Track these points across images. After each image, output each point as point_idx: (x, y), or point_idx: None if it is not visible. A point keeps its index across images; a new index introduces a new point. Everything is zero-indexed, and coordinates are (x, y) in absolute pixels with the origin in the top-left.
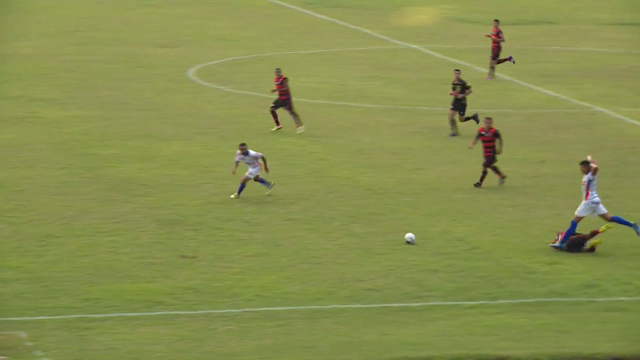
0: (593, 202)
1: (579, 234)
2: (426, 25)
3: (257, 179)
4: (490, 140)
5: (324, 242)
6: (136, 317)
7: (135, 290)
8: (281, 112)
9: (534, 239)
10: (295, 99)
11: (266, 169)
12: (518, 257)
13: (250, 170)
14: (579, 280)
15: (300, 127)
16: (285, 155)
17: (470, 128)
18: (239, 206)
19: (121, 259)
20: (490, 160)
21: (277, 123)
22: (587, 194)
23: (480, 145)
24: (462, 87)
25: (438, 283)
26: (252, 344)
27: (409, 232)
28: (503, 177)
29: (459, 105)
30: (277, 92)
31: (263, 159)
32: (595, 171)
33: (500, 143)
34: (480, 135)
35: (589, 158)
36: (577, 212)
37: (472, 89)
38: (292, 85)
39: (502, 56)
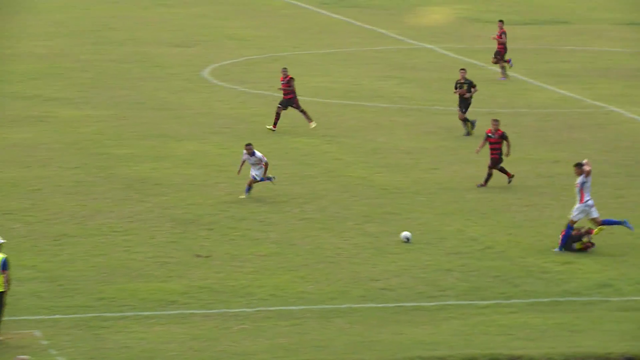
0: (587, 206)
1: (579, 230)
2: (441, 25)
3: (259, 181)
4: (497, 142)
5: (338, 242)
6: (151, 316)
7: (149, 290)
8: (289, 111)
9: (548, 238)
10: (310, 99)
11: (264, 174)
12: (532, 257)
13: (255, 172)
14: (593, 280)
15: (312, 123)
16: (300, 155)
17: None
18: (253, 206)
19: (136, 258)
20: (496, 162)
21: (275, 125)
22: (582, 197)
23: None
24: (468, 86)
25: (452, 282)
26: (265, 343)
27: (421, 231)
28: (511, 176)
29: (465, 104)
30: (282, 91)
31: (266, 164)
32: (588, 174)
33: (508, 146)
34: (487, 137)
35: (584, 161)
36: (572, 216)
37: (477, 87)
38: (307, 85)
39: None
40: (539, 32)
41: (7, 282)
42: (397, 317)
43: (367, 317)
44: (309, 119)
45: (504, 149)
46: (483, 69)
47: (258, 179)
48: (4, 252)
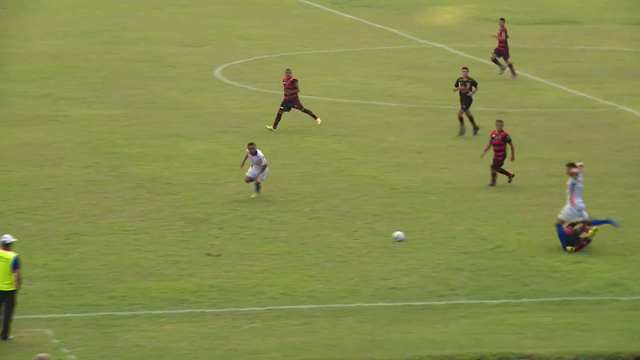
0: (577, 209)
1: (574, 230)
2: (451, 25)
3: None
4: (500, 144)
5: (348, 241)
6: (161, 315)
7: (160, 288)
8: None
9: (557, 238)
10: (321, 98)
11: (260, 174)
12: (542, 256)
13: (254, 171)
14: (603, 279)
15: (318, 119)
16: (310, 154)
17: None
18: (264, 205)
19: (146, 257)
20: (498, 163)
21: (275, 126)
22: (572, 198)
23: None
24: (471, 85)
25: (462, 282)
26: (276, 342)
27: (431, 231)
28: (511, 176)
29: (466, 102)
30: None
31: (265, 166)
32: (575, 175)
33: (512, 150)
34: (491, 139)
35: (577, 164)
36: (562, 216)
37: (479, 86)
38: (318, 85)
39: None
40: (549, 31)
41: (18, 280)
42: (407, 316)
43: (377, 316)
44: (314, 117)
45: (509, 152)
46: (493, 68)
47: (255, 177)
48: (14, 251)
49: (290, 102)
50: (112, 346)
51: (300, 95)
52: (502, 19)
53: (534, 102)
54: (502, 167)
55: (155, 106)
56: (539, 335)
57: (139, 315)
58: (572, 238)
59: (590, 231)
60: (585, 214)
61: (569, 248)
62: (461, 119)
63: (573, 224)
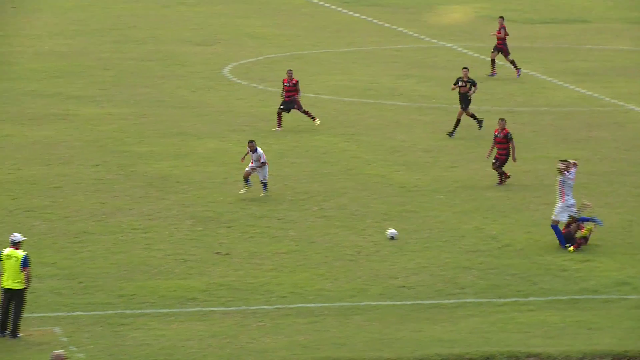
0: (567, 206)
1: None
2: (460, 24)
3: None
4: (502, 142)
5: (357, 240)
6: (170, 314)
7: (169, 287)
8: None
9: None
10: (329, 97)
11: (261, 169)
12: (550, 255)
13: (252, 166)
14: (612, 278)
15: (317, 120)
16: (319, 153)
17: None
18: (273, 203)
19: (155, 255)
20: (502, 162)
21: (279, 125)
22: (562, 195)
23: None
24: (470, 85)
25: (470, 280)
26: (284, 341)
27: (440, 229)
28: (507, 177)
29: (465, 102)
30: (285, 93)
31: (264, 163)
32: (560, 171)
33: (513, 149)
34: (495, 137)
35: (571, 161)
36: (554, 216)
37: (478, 87)
38: (327, 84)
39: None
40: (558, 31)
41: (28, 279)
42: (416, 314)
43: (386, 314)
44: (313, 118)
45: (511, 152)
46: (501, 67)
47: (252, 171)
48: (24, 249)
49: (291, 102)
50: (121, 344)
51: (309, 94)
52: (501, 17)
53: (543, 101)
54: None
55: (164, 105)
56: (547, 333)
57: (148, 313)
58: (568, 238)
59: (584, 230)
60: (574, 210)
61: (570, 248)
62: (458, 121)
63: (568, 224)
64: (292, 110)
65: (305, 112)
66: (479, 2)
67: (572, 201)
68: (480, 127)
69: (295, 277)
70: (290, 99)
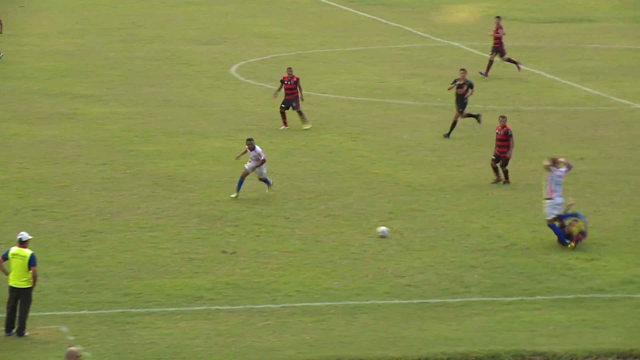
0: (556, 204)
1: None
2: (467, 23)
3: (261, 179)
4: (502, 139)
5: (363, 238)
6: (176, 312)
7: (175, 286)
8: (314, 108)
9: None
10: (336, 96)
11: (261, 169)
12: (556, 254)
13: (251, 165)
14: (617, 277)
15: (307, 124)
16: (325, 152)
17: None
18: (279, 202)
19: (162, 254)
20: (505, 161)
21: (285, 124)
22: (550, 192)
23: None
24: (468, 87)
25: (476, 279)
26: (290, 339)
27: (446, 228)
28: (498, 181)
29: (462, 104)
30: (284, 90)
31: (263, 161)
32: (546, 168)
33: (510, 146)
34: (496, 135)
35: (560, 159)
36: (547, 216)
37: (474, 89)
38: (333, 83)
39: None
40: (564, 30)
41: (34, 278)
42: (422, 313)
43: (392, 313)
44: (305, 120)
45: (509, 148)
46: (507, 66)
47: (260, 176)
48: (31, 248)
49: (291, 100)
50: (127, 343)
51: (316, 94)
52: (498, 17)
53: (549, 100)
54: (498, 167)
55: (171, 104)
56: (552, 332)
57: (154, 312)
58: (568, 236)
59: (574, 228)
60: (560, 208)
61: (570, 245)
62: (455, 123)
63: (563, 225)
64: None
65: (300, 112)
66: (485, 2)
67: (560, 200)
68: (479, 121)
69: (302, 276)
70: (291, 97)
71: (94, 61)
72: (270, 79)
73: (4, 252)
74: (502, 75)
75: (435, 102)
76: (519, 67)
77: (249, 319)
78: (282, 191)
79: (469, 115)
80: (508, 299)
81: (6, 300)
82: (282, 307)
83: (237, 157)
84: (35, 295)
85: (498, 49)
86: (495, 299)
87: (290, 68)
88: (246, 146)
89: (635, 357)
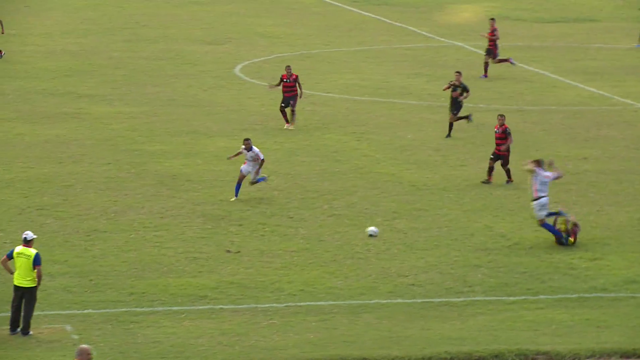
0: (542, 204)
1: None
2: (470, 23)
3: (253, 182)
4: (500, 138)
5: (367, 238)
6: (180, 311)
7: (180, 285)
8: (317, 107)
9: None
10: (340, 96)
11: (257, 172)
12: (559, 253)
13: (247, 168)
14: (621, 276)
15: (290, 125)
16: (329, 152)
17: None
18: (283, 202)
19: (166, 253)
20: (505, 160)
21: (287, 122)
22: (535, 192)
23: (519, 143)
24: (462, 90)
25: (480, 278)
26: (294, 338)
27: (449, 228)
28: (489, 182)
29: (456, 106)
30: (282, 88)
31: (262, 161)
32: (529, 171)
33: (508, 142)
34: (494, 133)
35: (546, 160)
36: (537, 216)
37: (470, 92)
38: (337, 82)
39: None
40: (568, 30)
41: (39, 277)
42: (425, 312)
43: (396, 312)
44: (290, 121)
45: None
46: (509, 66)
47: (253, 179)
48: (35, 247)
49: (289, 98)
50: (131, 342)
51: (320, 93)
52: (492, 19)
53: (553, 100)
54: (493, 167)
55: (175, 104)
56: (555, 331)
57: (159, 311)
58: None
59: (563, 226)
60: (546, 209)
61: (569, 240)
62: (451, 124)
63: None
64: (300, 108)
65: (292, 112)
66: (489, 1)
67: (546, 200)
68: (469, 120)
69: (305, 275)
70: (290, 94)
71: (98, 61)
72: (274, 78)
73: (9, 251)
74: (506, 75)
75: (439, 102)
76: (511, 62)
77: (253, 318)
78: (286, 191)
79: (461, 118)
80: (511, 298)
81: (11, 299)
82: (286, 306)
83: (230, 158)
84: (39, 294)
85: (492, 51)
86: (498, 298)
87: (289, 66)
88: (243, 146)
89: (639, 357)
